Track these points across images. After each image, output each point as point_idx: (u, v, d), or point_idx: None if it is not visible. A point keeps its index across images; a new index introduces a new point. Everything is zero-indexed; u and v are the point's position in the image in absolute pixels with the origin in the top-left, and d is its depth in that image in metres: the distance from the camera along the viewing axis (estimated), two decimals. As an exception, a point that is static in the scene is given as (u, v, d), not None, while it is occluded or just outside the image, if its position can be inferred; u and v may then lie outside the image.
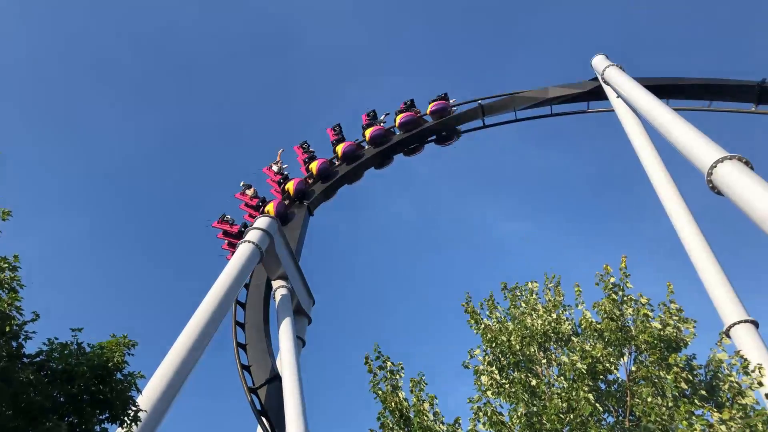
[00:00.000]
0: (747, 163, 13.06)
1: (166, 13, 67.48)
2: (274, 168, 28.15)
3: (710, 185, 13.61)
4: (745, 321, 15.26)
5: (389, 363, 11.92)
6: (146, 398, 12.37)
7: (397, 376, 11.81)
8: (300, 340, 21.38)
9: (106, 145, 65.95)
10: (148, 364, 13.22)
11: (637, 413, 10.70)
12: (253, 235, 19.44)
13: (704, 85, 21.92)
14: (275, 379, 18.34)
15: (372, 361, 11.88)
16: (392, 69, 76.45)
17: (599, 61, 23.30)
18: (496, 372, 11.95)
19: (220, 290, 16.77)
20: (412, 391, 11.75)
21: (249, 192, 26.83)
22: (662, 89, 21.93)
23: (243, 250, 18.77)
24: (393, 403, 11.20)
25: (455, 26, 75.23)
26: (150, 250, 65.62)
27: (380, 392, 11.44)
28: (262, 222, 20.26)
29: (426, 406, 11.27)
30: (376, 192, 79.48)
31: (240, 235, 24.21)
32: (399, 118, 28.13)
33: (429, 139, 29.05)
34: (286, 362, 17.73)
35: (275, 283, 21.11)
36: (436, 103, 28.23)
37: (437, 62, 75.66)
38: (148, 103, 68.28)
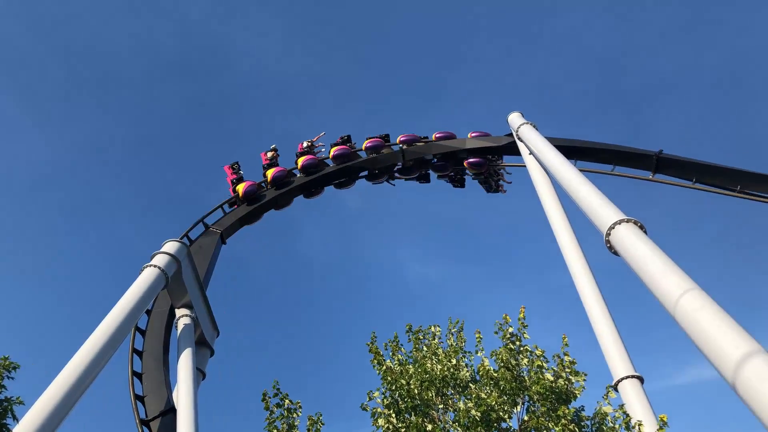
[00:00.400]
0: (641, 227, 13.87)
1: (93, 23, 65.49)
2: (305, 144, 28.71)
3: (608, 245, 14.33)
4: (632, 376, 16.00)
5: (287, 401, 11.79)
6: (24, 427, 11.63)
7: (295, 415, 11.69)
8: (200, 372, 20.74)
9: (12, 154, 62.66)
10: (34, 388, 12.52)
11: (526, 462, 11.01)
12: (159, 260, 18.86)
13: (609, 150, 23.30)
14: (170, 412, 17.67)
15: (270, 397, 11.71)
16: (321, 104, 76.90)
17: (515, 119, 24.35)
18: (394, 416, 12.00)
19: (119, 315, 16.07)
20: (308, 431, 11.65)
21: (269, 154, 28.19)
22: (571, 150, 23.16)
23: (147, 274, 18.15)
24: (287, 443, 11.05)
25: (384, 68, 76.76)
26: (46, 267, 62.27)
27: (275, 431, 11.28)
28: (170, 247, 19.69)
29: (321, 446, 11.20)
30: (300, 221, 78.80)
31: (232, 184, 26.48)
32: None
33: (360, 174, 29.34)
34: (183, 394, 17.15)
35: (179, 312, 20.48)
36: (371, 140, 28.69)
37: (364, 103, 76.74)
38: (65, 115, 65.54)
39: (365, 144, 28.76)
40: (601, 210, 14.61)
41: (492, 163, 28.60)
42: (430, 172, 29.96)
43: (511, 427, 11.99)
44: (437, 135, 29.07)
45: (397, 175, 29.86)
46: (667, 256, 12.14)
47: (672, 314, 11.26)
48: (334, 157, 28.43)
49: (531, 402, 12.05)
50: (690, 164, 21.02)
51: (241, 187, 26.82)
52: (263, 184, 27.77)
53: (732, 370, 9.52)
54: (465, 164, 28.72)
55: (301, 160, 28.01)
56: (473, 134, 28.34)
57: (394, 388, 12.63)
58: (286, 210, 28.19)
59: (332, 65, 76.29)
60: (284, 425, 11.43)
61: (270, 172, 27.38)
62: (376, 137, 28.89)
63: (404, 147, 28.71)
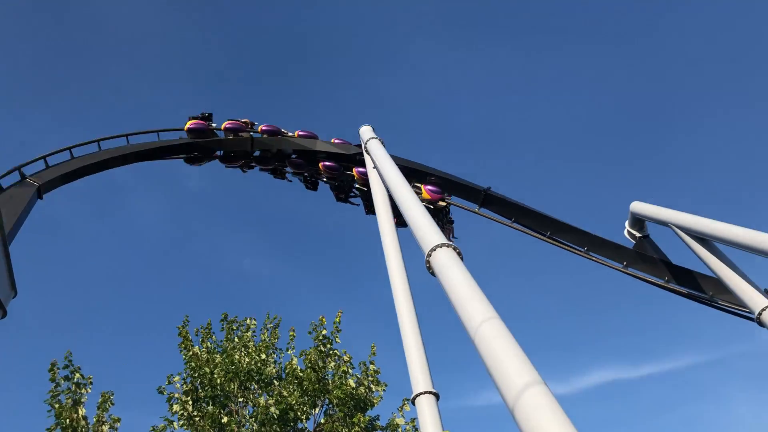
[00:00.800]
0: (459, 254, 14.77)
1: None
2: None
3: (427, 265, 15.08)
4: (429, 392, 16.85)
5: (78, 374, 11.13)
6: None
7: (83, 391, 11.06)
8: (-16, 333, 18.87)
9: None
10: None
11: (314, 463, 11.26)
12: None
13: (445, 179, 24.68)
14: (-62, 372, 15.91)
15: (58, 369, 10.99)
16: (182, 78, 73.38)
17: (365, 132, 24.92)
18: (191, 403, 11.78)
19: None
20: (98, 408, 11.09)
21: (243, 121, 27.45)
22: (411, 171, 24.20)
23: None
24: (68, 419, 10.41)
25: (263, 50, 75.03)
26: None
27: (57, 405, 10.58)
28: (-25, 192, 17.79)
29: (105, 428, 10.69)
30: (131, 190, 74.02)
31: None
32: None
33: (216, 153, 28.56)
34: (-43, 355, 15.52)
35: (-29, 264, 18.51)
36: (231, 122, 28.12)
37: (236, 89, 74.39)
38: None
39: (224, 125, 28.25)
40: (426, 232, 15.38)
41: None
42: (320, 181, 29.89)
43: (306, 428, 12.22)
44: (299, 133, 29.18)
45: (253, 164, 29.45)
46: (476, 284, 12.95)
47: (472, 339, 12.01)
48: (188, 131, 27.62)
49: (330, 405, 12.34)
50: (511, 204, 22.84)
51: (188, 123, 26.20)
52: (219, 131, 26.84)
53: (513, 397, 10.33)
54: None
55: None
56: (336, 140, 28.82)
57: (196, 375, 12.42)
58: (117, 176, 26.70)
59: (203, 43, 73.26)
60: (69, 400, 10.77)
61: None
62: (239, 121, 28.53)
63: (264, 136, 28.51)
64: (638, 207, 25.60)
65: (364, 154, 25.06)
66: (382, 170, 21.58)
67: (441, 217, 28.32)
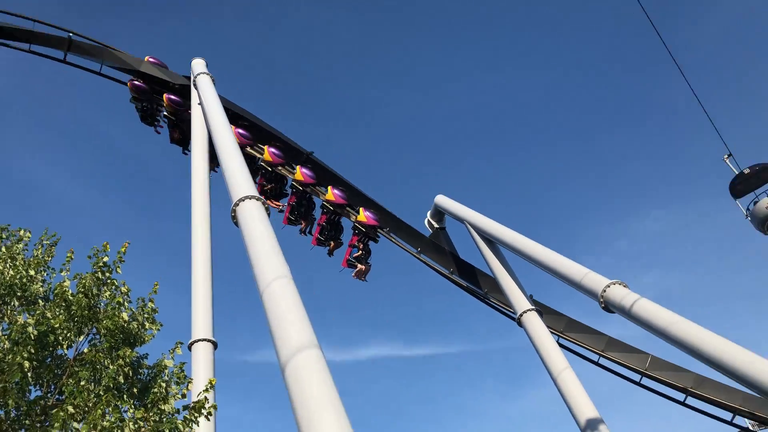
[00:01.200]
0: (267, 209, 14.81)
1: None
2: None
3: (233, 215, 14.91)
4: (208, 340, 16.65)
5: None
6: None
7: None
8: None
9: None
10: None
11: (66, 393, 10.55)
12: None
13: (280, 139, 24.73)
14: None
15: None
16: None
17: (197, 65, 23.79)
18: (-69, 309, 10.54)
19: None
20: None
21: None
22: (238, 117, 23.68)
23: None
24: None
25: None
26: None
27: None
28: None
29: None
30: None
31: None
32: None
33: (33, 49, 26.00)
34: None
35: None
36: None
37: None
38: None
39: None
40: (237, 181, 15.16)
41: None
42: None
43: (66, 354, 11.46)
44: (149, 59, 26.93)
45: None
46: (276, 241, 13.07)
47: (261, 294, 12.13)
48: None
49: (98, 336, 11.70)
50: (328, 171, 23.60)
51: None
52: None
53: (287, 356, 10.61)
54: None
55: None
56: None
57: (-53, 283, 11.13)
58: None
59: None
60: None
61: None
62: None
63: (74, 37, 26.08)
64: (441, 200, 27.34)
65: (192, 87, 23.79)
66: (206, 108, 20.62)
67: (364, 245, 26.97)
